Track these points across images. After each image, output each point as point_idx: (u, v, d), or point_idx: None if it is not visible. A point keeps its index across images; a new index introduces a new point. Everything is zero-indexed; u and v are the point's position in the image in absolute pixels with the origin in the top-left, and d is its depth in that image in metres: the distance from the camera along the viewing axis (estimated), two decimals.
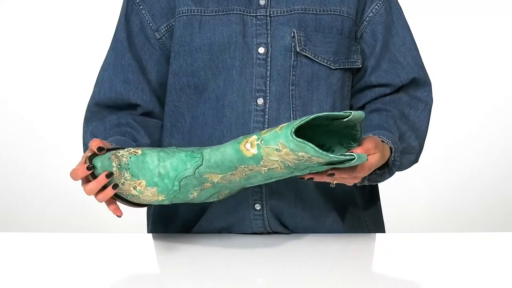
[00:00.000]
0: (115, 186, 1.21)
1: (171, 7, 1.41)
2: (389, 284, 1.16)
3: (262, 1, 1.37)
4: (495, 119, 3.19)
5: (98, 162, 1.21)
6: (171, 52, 1.41)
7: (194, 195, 1.25)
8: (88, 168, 1.19)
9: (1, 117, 3.19)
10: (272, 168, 1.18)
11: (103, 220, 3.15)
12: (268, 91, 1.36)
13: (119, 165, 1.22)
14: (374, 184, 1.42)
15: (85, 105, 1.48)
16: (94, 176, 1.21)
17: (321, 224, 1.41)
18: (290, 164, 1.17)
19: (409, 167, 1.47)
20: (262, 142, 1.16)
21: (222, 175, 1.21)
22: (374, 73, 1.44)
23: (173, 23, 1.41)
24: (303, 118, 1.15)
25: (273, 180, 1.23)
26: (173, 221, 1.44)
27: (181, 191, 1.23)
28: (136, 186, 1.22)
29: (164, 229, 1.46)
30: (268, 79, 1.36)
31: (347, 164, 1.18)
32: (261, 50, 1.36)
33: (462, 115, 3.18)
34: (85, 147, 1.42)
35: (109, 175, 1.20)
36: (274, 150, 1.16)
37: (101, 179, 1.19)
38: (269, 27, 1.36)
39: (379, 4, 1.43)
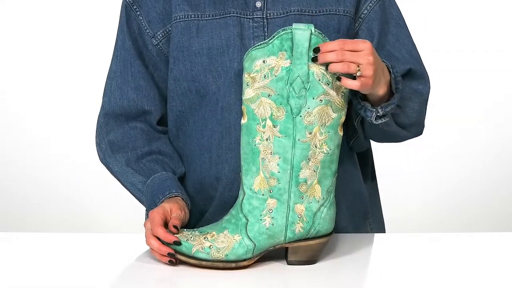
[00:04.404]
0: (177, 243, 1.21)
1: (167, 12, 1.40)
2: (389, 284, 1.16)
3: (258, 4, 1.37)
4: (495, 118, 3.18)
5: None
6: (170, 58, 1.40)
7: (268, 221, 1.20)
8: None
9: (1, 117, 3.18)
10: (272, 118, 1.17)
11: (103, 220, 3.16)
12: None
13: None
14: (386, 115, 1.29)
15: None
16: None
17: None
18: (271, 93, 1.17)
19: (417, 110, 1.39)
20: (242, 99, 1.19)
21: (259, 174, 1.19)
22: None
23: (170, 28, 1.40)
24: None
25: (303, 140, 1.18)
26: None
27: (250, 221, 1.20)
28: (207, 237, 1.21)
29: None
30: None
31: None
32: None
33: (462, 115, 3.17)
34: (107, 167, 1.44)
35: (178, 243, 1.21)
36: (247, 88, 1.17)
37: (164, 251, 1.21)
38: (266, 29, 1.36)
39: (373, 1, 1.42)
